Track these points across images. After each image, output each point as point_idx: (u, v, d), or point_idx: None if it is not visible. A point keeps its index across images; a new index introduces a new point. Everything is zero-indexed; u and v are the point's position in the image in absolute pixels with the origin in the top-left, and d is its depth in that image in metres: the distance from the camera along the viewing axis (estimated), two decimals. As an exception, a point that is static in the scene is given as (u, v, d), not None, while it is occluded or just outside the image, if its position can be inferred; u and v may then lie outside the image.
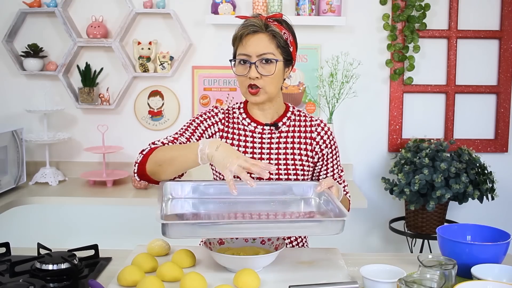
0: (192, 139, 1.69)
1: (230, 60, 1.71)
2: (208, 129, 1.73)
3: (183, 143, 1.67)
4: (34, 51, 3.09)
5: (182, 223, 1.40)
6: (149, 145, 1.63)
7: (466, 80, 3.20)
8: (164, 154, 1.55)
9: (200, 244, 1.76)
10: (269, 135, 1.74)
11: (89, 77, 3.13)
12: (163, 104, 3.20)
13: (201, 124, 1.73)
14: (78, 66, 3.15)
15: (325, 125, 1.80)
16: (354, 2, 3.13)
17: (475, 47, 3.18)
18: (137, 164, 1.57)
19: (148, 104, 3.21)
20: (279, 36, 1.64)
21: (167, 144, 1.64)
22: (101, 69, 3.17)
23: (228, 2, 3.01)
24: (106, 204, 2.84)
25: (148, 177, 1.59)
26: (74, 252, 1.54)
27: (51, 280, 1.41)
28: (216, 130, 1.74)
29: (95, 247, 1.60)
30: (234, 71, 1.68)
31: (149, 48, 3.09)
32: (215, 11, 3.02)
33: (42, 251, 1.59)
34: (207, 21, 3.03)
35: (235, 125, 1.75)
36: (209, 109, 1.78)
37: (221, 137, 1.74)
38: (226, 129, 1.74)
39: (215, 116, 1.75)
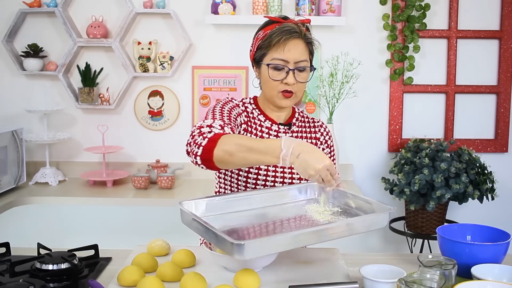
0: (231, 125, 1.58)
1: (259, 62, 1.66)
2: (237, 118, 1.67)
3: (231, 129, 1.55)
4: (34, 51, 3.09)
5: (259, 241, 1.26)
6: (207, 126, 1.48)
7: (466, 80, 3.20)
8: (237, 145, 1.40)
9: (200, 245, 1.76)
10: (284, 134, 1.75)
11: (89, 77, 3.13)
12: (163, 104, 3.21)
13: (232, 111, 1.66)
14: (78, 66, 3.15)
15: (326, 126, 1.87)
16: (354, 2, 3.13)
17: (475, 47, 3.18)
18: (201, 148, 1.42)
19: (148, 104, 3.21)
20: (312, 43, 1.68)
21: (225, 128, 1.50)
22: (101, 69, 3.17)
23: (228, 2, 3.01)
24: (106, 204, 2.84)
25: (212, 163, 1.43)
26: (74, 252, 1.54)
27: (51, 280, 1.41)
28: (242, 121, 1.70)
29: (95, 247, 1.60)
30: (268, 74, 1.64)
31: (149, 48, 3.09)
32: (215, 11, 3.02)
33: (42, 251, 1.59)
34: (207, 21, 3.03)
35: (251, 120, 1.74)
36: (229, 99, 1.72)
37: (245, 130, 1.70)
38: (247, 121, 1.72)
39: (238, 107, 1.71)
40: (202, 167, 1.46)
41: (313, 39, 1.69)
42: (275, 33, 1.63)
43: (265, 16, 1.75)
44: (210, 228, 1.30)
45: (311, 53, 1.69)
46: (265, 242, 1.27)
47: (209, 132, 1.45)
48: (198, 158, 1.43)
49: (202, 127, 1.48)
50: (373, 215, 1.48)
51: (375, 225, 1.45)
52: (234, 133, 1.52)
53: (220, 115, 1.59)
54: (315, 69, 1.71)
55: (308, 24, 1.70)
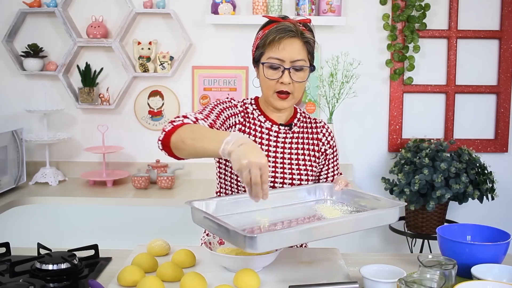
0: (216, 123, 1.59)
1: (258, 62, 1.67)
2: (230, 119, 1.67)
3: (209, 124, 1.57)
4: (34, 51, 3.09)
5: (271, 234, 1.29)
6: (182, 116, 1.51)
7: (466, 80, 3.20)
8: (192, 132, 1.42)
9: (201, 245, 1.76)
10: (284, 135, 1.75)
11: (89, 77, 3.13)
12: (163, 104, 3.21)
13: (224, 111, 1.66)
14: (78, 66, 3.15)
15: (328, 127, 1.85)
16: (354, 2, 3.13)
17: (475, 47, 3.18)
18: (164, 133, 1.46)
19: (148, 104, 3.21)
20: (311, 43, 1.65)
21: (200, 121, 1.52)
22: (101, 69, 3.17)
23: (228, 2, 3.01)
24: (106, 204, 2.84)
25: (169, 148, 1.46)
26: (74, 252, 1.54)
27: (51, 280, 1.41)
28: (236, 121, 1.69)
29: (95, 247, 1.60)
30: (263, 73, 1.64)
31: (149, 48, 3.09)
32: (215, 11, 3.02)
33: (42, 251, 1.59)
34: (207, 21, 3.03)
35: (251, 120, 1.73)
36: (229, 99, 1.73)
37: (240, 130, 1.70)
38: (244, 122, 1.71)
39: (235, 108, 1.71)
40: (165, 154, 1.48)
41: (311, 39, 1.65)
42: (271, 32, 1.63)
43: (263, 16, 1.74)
44: (222, 224, 1.31)
45: (309, 53, 1.66)
46: (277, 236, 1.28)
47: (179, 121, 1.48)
48: (159, 142, 1.47)
49: (178, 116, 1.51)
50: (383, 210, 1.51)
51: (386, 220, 1.48)
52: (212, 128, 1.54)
53: (208, 111, 1.60)
54: (314, 69, 1.70)
55: (309, 24, 1.69)
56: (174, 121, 1.48)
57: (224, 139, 1.33)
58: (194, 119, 1.51)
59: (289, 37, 1.61)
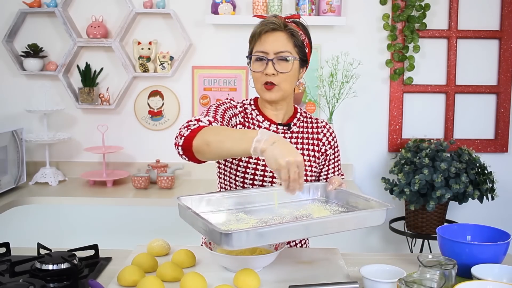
0: (223, 124, 1.61)
1: (247, 57, 1.71)
2: (232, 119, 1.69)
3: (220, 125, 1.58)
4: (34, 51, 3.09)
5: (245, 231, 1.26)
6: (195, 120, 1.50)
7: (466, 80, 3.20)
8: (216, 134, 1.42)
9: (201, 245, 1.76)
10: (282, 135, 1.74)
11: (89, 77, 3.13)
12: (163, 104, 3.21)
13: (227, 111, 1.68)
14: (78, 66, 3.15)
15: (330, 127, 1.84)
16: (354, 2, 3.13)
17: (475, 47, 3.18)
18: (183, 138, 1.45)
19: (148, 104, 3.21)
20: (297, 35, 1.66)
21: (213, 123, 1.53)
22: (101, 69, 3.17)
23: (228, 2, 3.01)
24: (106, 204, 2.84)
25: (191, 153, 1.46)
26: (74, 252, 1.54)
27: (51, 280, 1.41)
28: (237, 122, 1.71)
29: (95, 247, 1.60)
30: (250, 68, 1.69)
31: (149, 48, 3.09)
32: (215, 11, 3.02)
33: (42, 251, 1.59)
34: (207, 21, 3.03)
35: (250, 121, 1.74)
36: (228, 100, 1.75)
37: None
38: (244, 122, 1.72)
39: (235, 108, 1.73)
40: (184, 159, 1.49)
41: (295, 31, 1.65)
42: (255, 27, 1.67)
43: (254, 16, 1.77)
44: (201, 219, 1.31)
45: (296, 45, 1.66)
46: (253, 233, 1.27)
47: (194, 125, 1.48)
48: (179, 148, 1.47)
49: (191, 121, 1.51)
50: (366, 211, 1.50)
51: (370, 222, 1.47)
52: None
53: (213, 113, 1.61)
54: (305, 62, 1.70)
55: (298, 19, 1.71)
56: (189, 126, 1.48)
57: (254, 138, 1.34)
58: (208, 122, 1.51)
59: (271, 29, 1.64)
